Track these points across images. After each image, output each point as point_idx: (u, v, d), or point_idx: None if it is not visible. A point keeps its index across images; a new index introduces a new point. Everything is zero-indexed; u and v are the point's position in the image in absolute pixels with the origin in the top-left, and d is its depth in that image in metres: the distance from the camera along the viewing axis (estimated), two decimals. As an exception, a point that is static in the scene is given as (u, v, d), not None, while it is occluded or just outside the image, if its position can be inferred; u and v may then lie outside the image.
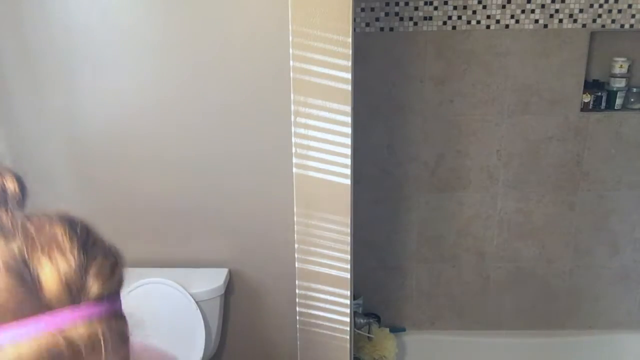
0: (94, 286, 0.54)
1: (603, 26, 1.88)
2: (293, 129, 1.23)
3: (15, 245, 0.53)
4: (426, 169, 2.05)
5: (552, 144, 2.00)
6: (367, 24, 1.90)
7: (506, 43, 1.90)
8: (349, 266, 1.33)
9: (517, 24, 1.88)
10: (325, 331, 1.45)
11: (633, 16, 1.87)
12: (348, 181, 1.25)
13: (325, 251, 1.31)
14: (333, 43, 1.16)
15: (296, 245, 1.30)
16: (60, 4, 1.43)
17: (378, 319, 2.13)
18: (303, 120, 1.22)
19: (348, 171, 1.24)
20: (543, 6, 1.86)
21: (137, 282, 1.64)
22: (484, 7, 1.87)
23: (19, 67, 1.48)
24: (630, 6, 1.86)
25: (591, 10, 1.86)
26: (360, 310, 2.10)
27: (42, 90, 1.51)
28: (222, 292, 1.80)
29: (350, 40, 1.15)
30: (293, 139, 1.24)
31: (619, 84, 1.93)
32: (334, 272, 1.33)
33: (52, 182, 1.62)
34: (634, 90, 1.95)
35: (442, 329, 2.25)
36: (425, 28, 1.89)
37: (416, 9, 1.88)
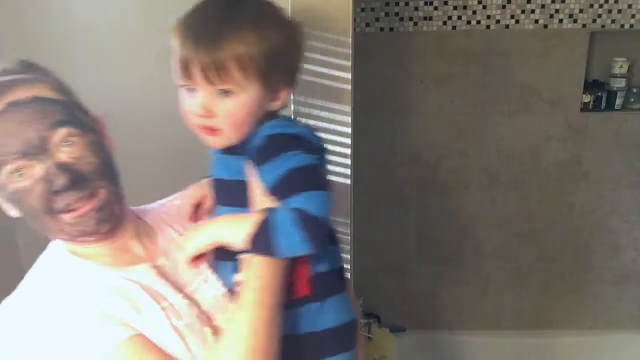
0: None
1: (603, 26, 1.88)
2: (293, 129, 1.23)
3: None
4: (426, 169, 2.05)
5: (552, 144, 2.00)
6: (367, 24, 1.90)
7: (506, 43, 1.90)
8: (349, 266, 1.33)
9: (517, 24, 1.88)
10: (325, 331, 1.45)
11: (633, 16, 1.87)
12: (348, 181, 1.25)
13: (325, 251, 1.31)
14: (333, 43, 1.16)
15: (296, 245, 1.30)
16: (60, 5, 1.43)
17: (378, 319, 2.13)
18: (303, 120, 1.22)
19: (348, 171, 1.24)
20: (543, 6, 1.86)
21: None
22: (484, 7, 1.86)
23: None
24: (630, 6, 1.86)
25: (591, 10, 1.86)
26: (360, 310, 2.10)
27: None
28: (222, 292, 1.80)
29: (350, 40, 1.15)
30: (293, 139, 1.23)
31: (619, 84, 1.93)
32: (334, 272, 1.33)
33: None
34: (634, 90, 1.95)
35: (442, 329, 2.25)
36: (425, 28, 1.89)
37: (416, 9, 1.88)
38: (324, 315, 0.76)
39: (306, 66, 1.18)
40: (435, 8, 1.87)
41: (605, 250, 2.13)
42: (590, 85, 1.96)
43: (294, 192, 0.67)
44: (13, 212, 0.73)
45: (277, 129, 0.71)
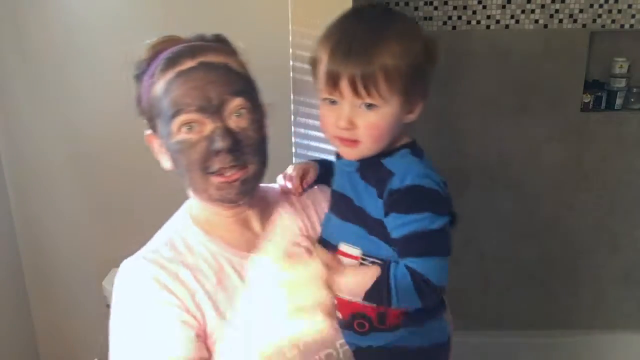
0: None
1: (603, 26, 1.88)
2: (293, 129, 1.23)
3: None
4: (426, 169, 2.05)
5: (552, 144, 2.00)
6: (367, 24, 1.89)
7: (506, 43, 1.90)
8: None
9: (517, 24, 1.88)
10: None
11: (633, 16, 1.87)
12: (348, 181, 1.25)
13: (326, 251, 1.31)
14: (333, 43, 1.16)
15: (296, 245, 1.30)
16: (61, 6, 1.43)
17: (378, 319, 2.13)
18: (303, 120, 1.22)
19: (348, 171, 1.24)
20: (543, 6, 1.86)
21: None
22: (484, 7, 1.87)
23: (20, 68, 1.48)
24: (630, 6, 1.86)
25: (591, 10, 1.86)
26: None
27: (42, 92, 1.51)
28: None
29: (350, 40, 1.15)
30: (293, 139, 1.24)
31: (619, 84, 1.93)
32: (334, 272, 1.33)
33: (52, 182, 1.62)
34: (634, 90, 1.95)
35: (442, 329, 2.24)
36: (425, 28, 1.89)
37: (416, 9, 1.88)
38: (418, 335, 0.78)
39: (306, 66, 1.18)
40: (435, 8, 1.87)
41: (605, 250, 2.13)
42: (590, 85, 1.96)
43: (418, 254, 0.71)
44: (167, 164, 0.79)
45: (420, 179, 0.74)
